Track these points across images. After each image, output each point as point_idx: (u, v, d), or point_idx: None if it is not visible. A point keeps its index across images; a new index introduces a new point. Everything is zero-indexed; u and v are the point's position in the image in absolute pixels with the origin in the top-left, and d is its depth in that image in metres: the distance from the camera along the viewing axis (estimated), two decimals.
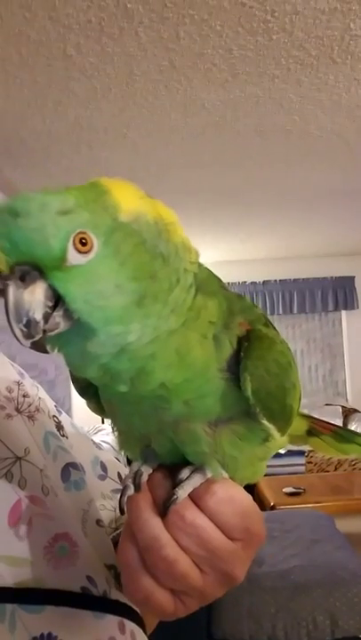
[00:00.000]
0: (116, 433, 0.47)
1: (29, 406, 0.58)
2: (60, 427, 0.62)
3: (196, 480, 0.41)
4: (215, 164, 3.23)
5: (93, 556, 0.52)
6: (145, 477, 0.43)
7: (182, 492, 0.40)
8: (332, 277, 6.38)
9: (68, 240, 0.33)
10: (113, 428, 0.47)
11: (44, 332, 0.34)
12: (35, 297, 0.33)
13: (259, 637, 2.04)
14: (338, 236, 5.38)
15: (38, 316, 0.33)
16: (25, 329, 0.33)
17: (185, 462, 0.42)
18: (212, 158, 3.14)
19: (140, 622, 0.54)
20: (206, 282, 0.41)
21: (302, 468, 4.91)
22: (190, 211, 4.17)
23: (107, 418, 0.47)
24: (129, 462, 0.68)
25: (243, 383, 0.40)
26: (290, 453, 5.07)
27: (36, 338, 0.34)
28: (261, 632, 2.04)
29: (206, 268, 0.43)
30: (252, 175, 3.47)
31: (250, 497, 0.42)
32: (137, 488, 0.43)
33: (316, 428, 0.60)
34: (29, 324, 0.33)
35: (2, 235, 0.32)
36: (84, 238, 0.33)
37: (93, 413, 0.50)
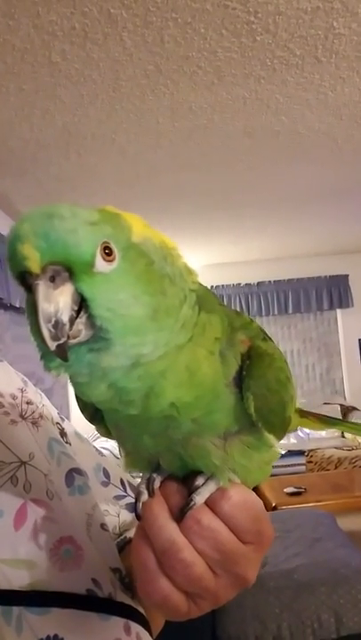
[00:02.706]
0: (122, 454, 0.47)
1: (33, 413, 0.59)
2: (63, 433, 0.63)
3: (212, 486, 0.42)
4: (204, 166, 3.24)
5: (98, 560, 0.53)
6: (157, 483, 0.44)
7: (200, 498, 0.41)
8: (326, 276, 6.41)
9: (97, 247, 0.34)
10: (120, 450, 0.47)
11: (68, 338, 0.34)
12: (63, 298, 0.34)
13: (264, 638, 2.03)
14: (330, 234, 5.41)
15: (65, 317, 0.33)
16: (52, 330, 0.33)
17: (194, 474, 0.43)
18: (201, 161, 3.15)
19: (145, 624, 0.55)
20: (205, 300, 0.42)
21: (303, 468, 4.92)
22: (181, 214, 4.18)
23: (114, 440, 0.47)
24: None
25: (246, 401, 0.41)
26: (290, 453, 5.07)
27: (62, 341, 0.33)
28: (267, 633, 2.03)
29: (204, 286, 0.44)
30: (241, 176, 3.49)
31: (260, 500, 0.44)
32: (150, 494, 0.44)
33: (305, 416, 0.63)
34: (57, 326, 0.33)
35: (38, 234, 0.33)
36: (108, 248, 0.35)
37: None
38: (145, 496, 0.44)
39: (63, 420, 0.66)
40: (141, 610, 0.55)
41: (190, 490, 0.42)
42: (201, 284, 0.43)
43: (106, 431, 0.48)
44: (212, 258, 5.97)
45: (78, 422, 0.75)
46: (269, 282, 6.41)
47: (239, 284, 6.39)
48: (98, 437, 4.29)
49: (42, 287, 0.33)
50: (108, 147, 2.84)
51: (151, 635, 0.55)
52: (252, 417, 0.41)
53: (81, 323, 0.34)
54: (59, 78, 2.13)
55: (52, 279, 0.33)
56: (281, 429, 0.45)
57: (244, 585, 0.43)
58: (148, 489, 0.44)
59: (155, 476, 0.44)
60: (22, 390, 0.61)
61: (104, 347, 0.35)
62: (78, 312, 0.34)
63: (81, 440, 0.67)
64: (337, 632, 2.04)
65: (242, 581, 0.42)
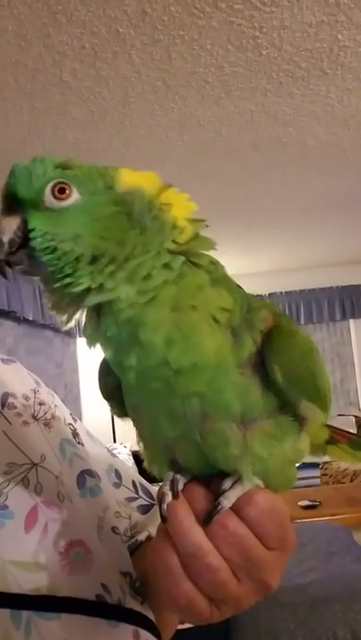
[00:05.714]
0: (141, 445, 0.47)
1: (45, 414, 0.59)
2: (75, 434, 0.63)
3: (239, 490, 0.41)
4: (213, 179, 3.27)
5: (108, 564, 0.53)
6: (181, 485, 0.43)
7: (227, 502, 0.41)
8: (337, 286, 6.37)
9: (47, 184, 0.40)
10: (138, 441, 0.47)
11: (9, 263, 0.40)
12: (9, 223, 0.40)
13: None
14: (341, 244, 5.39)
15: (5, 238, 0.39)
16: None
17: (210, 475, 0.43)
18: (210, 174, 3.18)
19: (154, 631, 0.54)
20: (224, 278, 0.44)
21: (318, 481, 4.84)
22: None
23: (130, 421, 0.48)
24: (149, 480, 0.68)
25: (272, 374, 0.40)
26: (304, 466, 5.00)
27: None
28: None
29: (222, 267, 0.45)
30: (251, 189, 3.51)
31: (286, 506, 0.43)
32: (175, 496, 0.43)
33: (335, 437, 0.60)
34: None
35: (10, 172, 0.40)
36: (63, 188, 0.40)
37: (105, 432, 0.50)
38: (169, 497, 0.43)
39: (76, 420, 0.66)
40: (151, 617, 0.54)
41: (217, 493, 0.41)
42: (219, 263, 0.45)
43: (120, 411, 0.48)
44: None
45: (93, 431, 0.75)
46: (281, 293, 6.39)
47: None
48: (114, 449, 4.28)
49: None
50: (119, 161, 2.85)
51: None
52: (283, 388, 0.40)
53: (24, 253, 0.40)
54: (70, 96, 2.18)
55: (9, 208, 0.40)
56: (319, 398, 0.43)
57: (267, 591, 0.42)
58: (172, 490, 0.43)
59: (178, 477, 0.44)
60: (35, 391, 0.61)
61: (51, 281, 0.40)
62: (26, 244, 0.40)
63: (93, 441, 0.67)
64: None
65: (265, 587, 0.42)
